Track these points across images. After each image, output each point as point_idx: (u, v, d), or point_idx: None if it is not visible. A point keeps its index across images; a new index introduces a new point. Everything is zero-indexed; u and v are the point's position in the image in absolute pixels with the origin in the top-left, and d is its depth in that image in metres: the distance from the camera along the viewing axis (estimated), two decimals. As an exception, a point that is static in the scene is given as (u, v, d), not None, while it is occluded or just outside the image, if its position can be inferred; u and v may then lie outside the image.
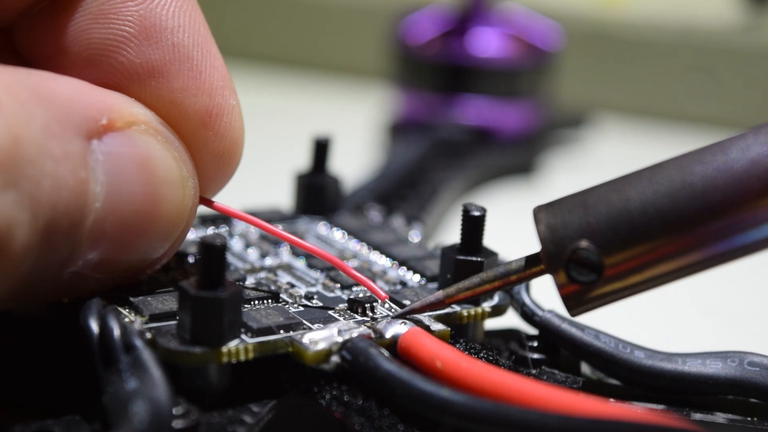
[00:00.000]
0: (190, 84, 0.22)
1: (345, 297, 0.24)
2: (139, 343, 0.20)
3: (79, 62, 0.22)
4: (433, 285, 0.25)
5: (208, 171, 0.23)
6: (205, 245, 0.20)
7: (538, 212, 0.22)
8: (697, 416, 0.23)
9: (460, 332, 0.24)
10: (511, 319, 0.25)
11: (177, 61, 0.22)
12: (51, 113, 0.20)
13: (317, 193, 0.30)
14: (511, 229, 0.33)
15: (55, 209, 0.19)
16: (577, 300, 0.22)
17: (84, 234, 0.20)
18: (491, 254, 0.24)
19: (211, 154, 0.23)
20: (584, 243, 0.21)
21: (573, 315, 0.22)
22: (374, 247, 0.27)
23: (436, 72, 0.52)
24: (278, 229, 0.24)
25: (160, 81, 0.22)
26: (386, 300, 0.24)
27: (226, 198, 0.24)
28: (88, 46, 0.22)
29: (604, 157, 0.56)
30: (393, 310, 0.23)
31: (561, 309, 0.25)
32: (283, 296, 0.24)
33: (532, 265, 0.22)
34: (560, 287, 0.22)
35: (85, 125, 0.20)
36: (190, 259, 0.25)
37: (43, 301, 0.22)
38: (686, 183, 0.21)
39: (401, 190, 0.39)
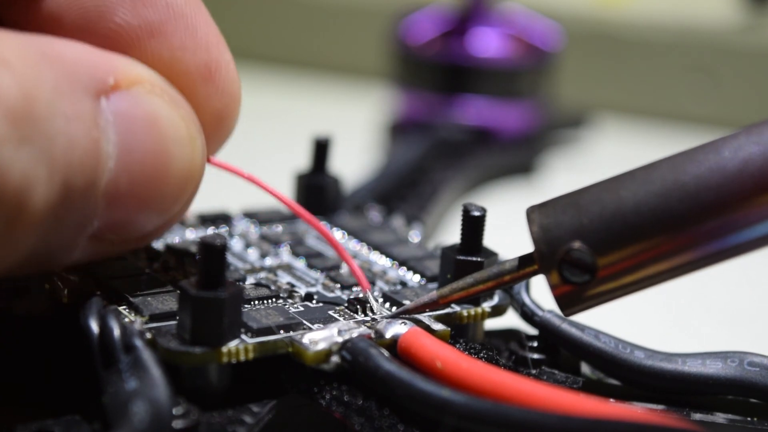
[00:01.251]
0: (187, 41, 0.23)
1: (345, 297, 0.24)
2: (139, 343, 0.20)
3: (74, 30, 0.22)
4: (433, 285, 0.25)
5: (210, 129, 0.23)
6: (205, 245, 0.20)
7: (531, 212, 0.22)
8: (697, 416, 0.23)
9: (460, 332, 0.24)
10: (511, 320, 0.25)
11: (173, 19, 0.22)
12: (60, 73, 0.20)
13: (317, 193, 0.30)
14: (511, 229, 0.33)
15: (70, 167, 0.19)
16: (570, 300, 0.22)
17: (99, 193, 0.20)
18: (491, 254, 0.24)
19: (213, 110, 0.23)
20: (577, 244, 0.21)
21: (567, 315, 0.22)
22: (374, 247, 0.27)
23: (436, 72, 0.52)
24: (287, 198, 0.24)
25: (159, 40, 0.22)
26: (367, 291, 0.23)
27: (227, 198, 0.24)
28: (81, 13, 0.22)
29: (603, 157, 0.56)
30: (377, 310, 0.23)
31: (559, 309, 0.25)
32: (283, 296, 0.24)
33: (525, 266, 0.22)
34: (553, 287, 0.22)
35: (93, 85, 0.20)
36: (191, 259, 0.25)
37: (63, 266, 0.22)
38: (679, 183, 0.21)
39: (401, 190, 0.39)
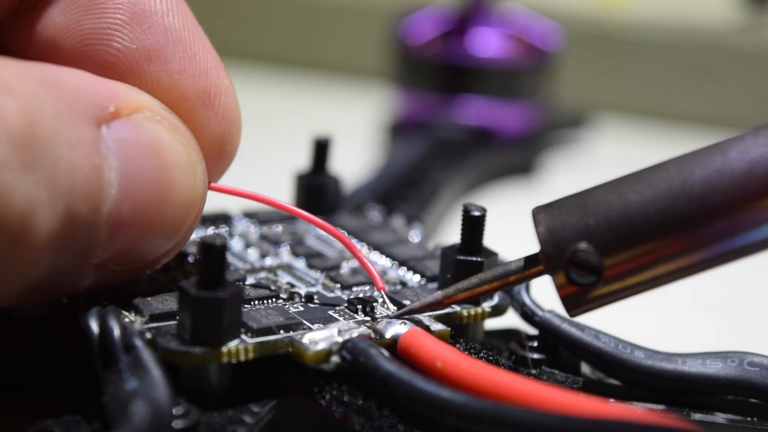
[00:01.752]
0: (186, 65, 0.23)
1: (345, 297, 0.24)
2: (139, 343, 0.20)
3: (74, 55, 0.22)
4: (433, 285, 0.25)
5: (210, 155, 0.23)
6: (205, 245, 0.20)
7: (537, 213, 0.22)
8: (697, 416, 0.23)
9: (460, 332, 0.24)
10: (511, 320, 0.25)
11: (171, 44, 0.22)
12: (61, 99, 0.20)
13: (317, 193, 0.30)
14: (512, 229, 0.33)
15: (72, 193, 0.19)
16: (576, 301, 0.22)
17: (102, 221, 0.20)
18: (491, 254, 0.24)
19: (212, 136, 0.23)
20: (583, 245, 0.21)
21: (572, 316, 0.22)
22: (374, 247, 0.27)
23: (436, 72, 0.52)
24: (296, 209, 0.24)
25: (158, 64, 0.22)
26: (382, 290, 0.24)
27: (227, 198, 0.24)
28: (81, 38, 0.22)
29: (604, 157, 0.56)
30: (391, 308, 0.23)
31: (561, 309, 0.25)
32: (283, 296, 0.24)
33: (531, 266, 0.22)
34: (559, 288, 0.22)
35: (94, 112, 0.20)
36: (190, 259, 0.25)
37: (67, 295, 0.22)
38: (685, 184, 0.21)
39: (401, 190, 0.39)
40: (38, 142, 0.19)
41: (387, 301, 0.23)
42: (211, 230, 0.28)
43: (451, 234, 0.39)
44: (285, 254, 0.27)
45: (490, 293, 0.23)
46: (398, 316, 0.23)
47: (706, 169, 0.21)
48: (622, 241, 0.21)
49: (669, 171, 0.21)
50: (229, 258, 0.26)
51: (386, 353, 0.21)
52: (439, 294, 0.23)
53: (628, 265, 0.21)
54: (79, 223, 0.20)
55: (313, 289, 0.25)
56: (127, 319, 0.21)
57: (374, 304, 0.23)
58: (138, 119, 0.21)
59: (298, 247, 0.27)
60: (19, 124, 0.18)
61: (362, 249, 0.28)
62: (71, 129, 0.19)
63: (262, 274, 0.25)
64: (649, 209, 0.21)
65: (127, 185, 0.20)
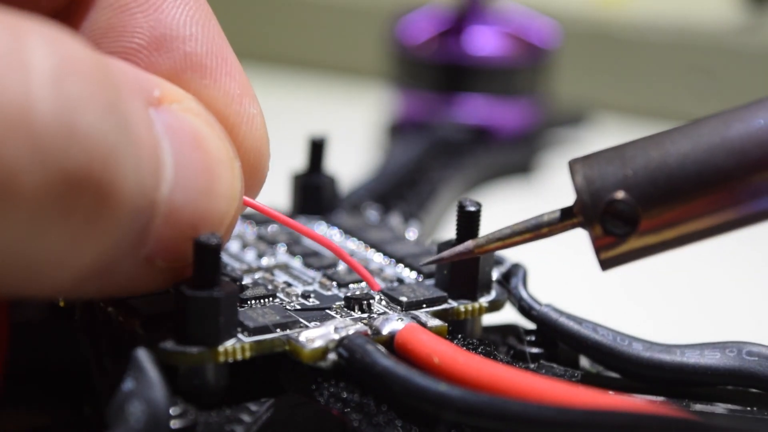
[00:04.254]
0: (203, 92, 0.22)
1: (342, 295, 0.24)
2: (135, 344, 0.20)
3: None
4: (430, 281, 0.25)
5: None
6: (199, 245, 0.20)
7: (575, 164, 0.22)
8: (697, 407, 0.23)
9: (457, 328, 0.24)
10: (508, 315, 0.25)
11: (189, 70, 0.22)
12: (117, 79, 0.19)
13: (314, 192, 0.30)
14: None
15: (140, 162, 0.19)
16: (610, 253, 0.22)
17: (161, 202, 0.20)
18: (487, 249, 0.24)
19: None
20: (621, 194, 0.21)
21: (604, 269, 0.22)
22: (371, 245, 0.28)
23: (434, 71, 0.52)
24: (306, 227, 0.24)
25: None
26: (379, 291, 0.24)
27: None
28: None
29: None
30: (390, 306, 0.23)
31: (559, 305, 0.25)
32: (280, 295, 0.24)
33: (566, 218, 0.22)
34: (594, 240, 0.21)
35: (144, 94, 0.20)
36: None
37: (111, 294, 0.21)
38: (726, 138, 0.21)
39: (399, 189, 0.39)
40: (121, 109, 0.18)
41: (377, 304, 0.23)
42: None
43: (451, 233, 0.39)
44: (282, 254, 0.27)
45: (522, 244, 0.23)
46: (430, 263, 0.24)
47: (747, 124, 0.21)
48: (659, 192, 0.21)
49: (709, 125, 0.21)
50: (226, 259, 0.26)
51: (383, 350, 0.21)
52: (470, 243, 0.23)
53: (664, 217, 0.21)
54: (145, 197, 0.19)
55: (309, 288, 0.25)
56: (123, 320, 0.21)
57: (371, 300, 0.23)
58: (180, 108, 0.21)
59: (294, 247, 0.27)
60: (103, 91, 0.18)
61: (358, 247, 0.28)
62: (130, 105, 0.19)
63: (259, 274, 0.25)
64: (688, 161, 0.21)
65: (179, 171, 0.20)
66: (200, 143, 0.21)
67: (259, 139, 0.23)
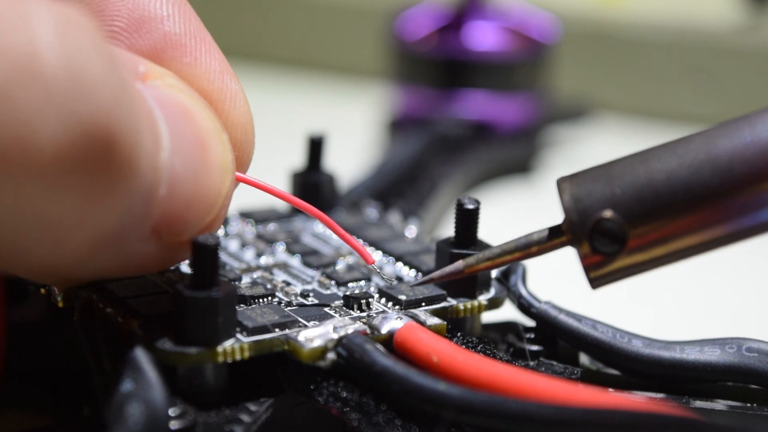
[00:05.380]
0: (185, 70, 0.22)
1: (340, 294, 0.24)
2: (134, 344, 0.20)
3: None
4: (430, 279, 0.25)
5: None
6: (197, 245, 0.20)
7: (562, 182, 0.22)
8: (697, 404, 0.23)
9: (457, 326, 0.24)
10: (508, 312, 0.25)
11: (169, 49, 0.22)
12: (111, 48, 0.19)
13: (313, 190, 0.30)
14: (510, 227, 0.33)
15: (143, 127, 0.19)
16: (598, 271, 0.22)
17: (162, 169, 0.20)
18: (486, 247, 0.24)
19: None
20: (608, 213, 0.21)
21: (594, 287, 0.22)
22: (370, 243, 0.27)
23: (434, 67, 0.52)
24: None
25: None
26: (373, 264, 0.24)
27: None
28: None
29: (603, 156, 0.55)
30: (389, 304, 0.23)
31: (558, 302, 0.25)
32: (279, 294, 0.24)
33: (554, 237, 0.22)
34: (583, 258, 0.21)
35: (133, 69, 0.20)
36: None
37: (124, 273, 0.21)
38: (712, 155, 0.21)
39: (398, 187, 0.39)
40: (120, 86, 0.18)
41: (381, 274, 0.24)
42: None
43: (450, 230, 0.39)
44: (281, 253, 0.27)
45: (511, 263, 0.23)
46: (420, 284, 0.23)
47: (733, 140, 0.21)
48: (647, 210, 0.21)
49: (696, 142, 0.21)
50: (225, 258, 0.26)
51: (382, 349, 0.21)
52: (460, 263, 0.23)
53: (652, 235, 0.21)
54: (150, 160, 0.19)
55: (308, 287, 0.24)
56: (121, 320, 0.21)
57: (370, 300, 0.23)
58: (165, 83, 0.21)
59: (293, 246, 0.27)
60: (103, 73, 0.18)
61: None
62: (126, 76, 0.19)
63: (258, 273, 0.25)
64: (674, 179, 0.21)
65: (174, 141, 0.20)
66: (189, 115, 0.21)
67: (243, 115, 0.23)
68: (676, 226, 0.21)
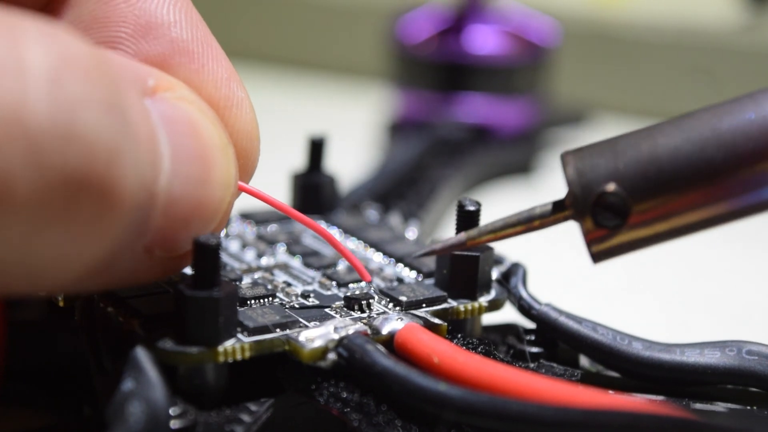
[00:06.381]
0: (192, 77, 0.22)
1: (341, 294, 0.24)
2: (135, 344, 0.20)
3: None
4: (430, 281, 0.25)
5: None
6: (199, 245, 0.20)
7: (566, 156, 0.22)
8: (697, 406, 0.23)
9: (457, 328, 0.24)
10: (508, 314, 0.25)
11: (177, 55, 0.22)
12: (115, 73, 0.19)
13: (314, 192, 0.30)
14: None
15: (138, 154, 0.19)
16: (600, 246, 0.22)
17: (160, 194, 0.20)
18: (487, 248, 0.24)
19: None
20: (612, 186, 0.21)
21: (596, 262, 0.22)
22: (371, 244, 0.27)
23: (434, 70, 0.52)
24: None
25: None
26: (371, 282, 0.24)
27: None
28: None
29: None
30: (387, 303, 0.23)
31: (559, 304, 0.25)
32: (280, 295, 0.24)
33: (557, 211, 0.22)
34: (585, 232, 0.21)
35: (140, 84, 0.20)
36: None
37: (115, 286, 0.21)
38: (716, 131, 0.21)
39: (399, 188, 0.39)
40: (120, 105, 0.18)
41: (378, 293, 0.24)
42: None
43: (451, 232, 0.39)
44: (281, 254, 0.27)
45: (513, 237, 0.23)
46: (422, 256, 0.24)
47: (737, 116, 0.21)
48: (650, 185, 0.21)
49: (701, 119, 0.21)
50: (226, 258, 0.26)
51: (383, 349, 0.21)
52: (462, 236, 0.23)
53: (655, 210, 0.21)
54: (145, 191, 0.19)
55: (309, 288, 0.25)
56: (122, 320, 0.21)
57: (370, 300, 0.23)
58: (174, 96, 0.21)
59: (294, 246, 0.27)
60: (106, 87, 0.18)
61: (358, 247, 0.28)
62: (128, 96, 0.19)
63: (259, 274, 0.25)
64: (678, 154, 0.21)
65: (175, 161, 0.20)
66: (195, 131, 0.21)
67: (249, 123, 0.23)
68: (680, 201, 0.21)
